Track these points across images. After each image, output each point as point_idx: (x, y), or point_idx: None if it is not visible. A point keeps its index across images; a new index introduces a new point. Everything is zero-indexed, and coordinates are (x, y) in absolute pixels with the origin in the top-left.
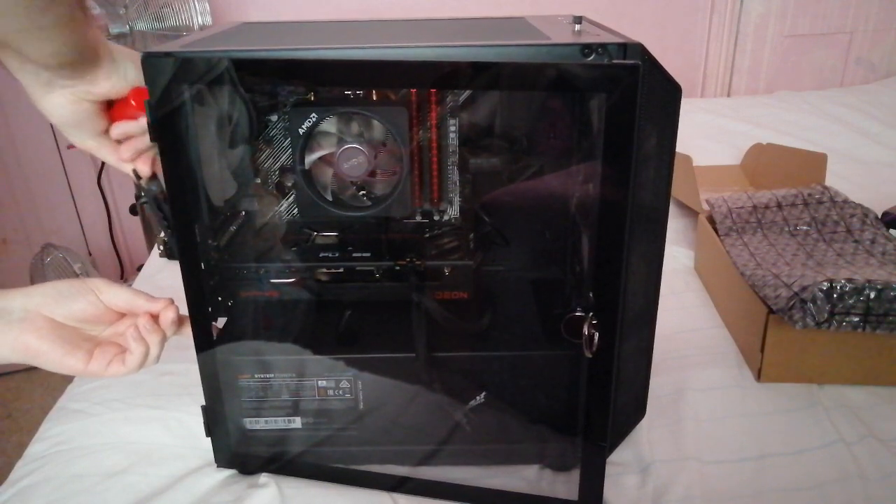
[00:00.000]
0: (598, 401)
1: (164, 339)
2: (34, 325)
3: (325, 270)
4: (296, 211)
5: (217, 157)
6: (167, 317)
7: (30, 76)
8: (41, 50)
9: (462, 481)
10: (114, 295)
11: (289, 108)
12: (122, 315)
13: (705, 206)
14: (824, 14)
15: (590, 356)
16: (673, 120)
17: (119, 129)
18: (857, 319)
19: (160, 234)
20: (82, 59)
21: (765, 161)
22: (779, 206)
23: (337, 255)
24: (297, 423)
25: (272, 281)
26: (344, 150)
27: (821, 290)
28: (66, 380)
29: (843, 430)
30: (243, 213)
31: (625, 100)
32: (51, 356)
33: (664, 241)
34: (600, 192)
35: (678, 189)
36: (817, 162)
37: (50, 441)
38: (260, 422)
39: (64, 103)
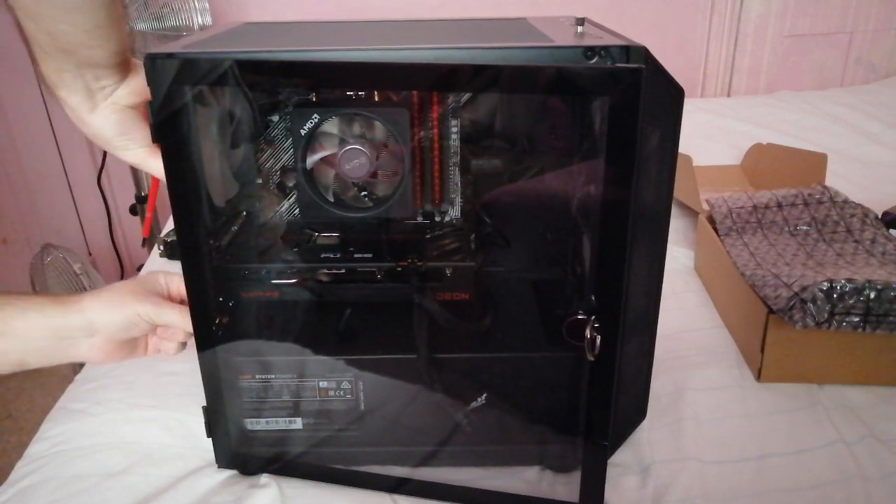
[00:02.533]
0: (599, 403)
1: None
2: (101, 349)
3: (326, 271)
4: (297, 211)
5: (219, 157)
6: None
7: (81, 93)
8: (104, 49)
9: (463, 482)
10: (167, 319)
11: (290, 109)
12: None
13: (705, 206)
14: (824, 14)
15: (592, 359)
16: (675, 122)
17: None
18: (857, 319)
19: (160, 233)
20: (126, 60)
21: (765, 161)
22: (779, 206)
23: (338, 255)
24: (297, 423)
25: (273, 281)
26: (346, 151)
27: (821, 290)
28: (66, 380)
29: (843, 430)
30: (245, 213)
31: (627, 103)
32: (113, 361)
33: (665, 243)
34: (602, 195)
35: (678, 189)
36: (817, 162)
37: (50, 441)
38: (261, 422)
39: (108, 114)
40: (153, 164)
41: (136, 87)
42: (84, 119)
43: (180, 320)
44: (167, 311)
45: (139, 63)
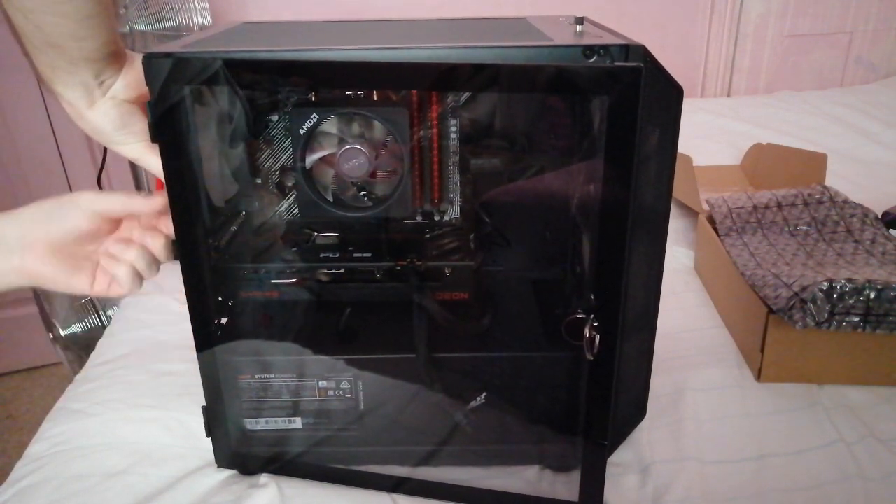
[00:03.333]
0: (598, 402)
1: (144, 248)
2: (35, 251)
3: (325, 271)
4: (296, 211)
5: (218, 157)
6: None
7: (78, 89)
8: (94, 40)
9: (462, 482)
10: (108, 203)
11: (290, 109)
12: (120, 222)
13: (705, 206)
14: (824, 14)
15: (591, 358)
16: (674, 121)
17: None
18: (857, 319)
19: None
20: (119, 51)
21: (765, 161)
22: (779, 206)
23: (337, 255)
24: (297, 423)
25: (273, 281)
26: (345, 151)
27: (821, 290)
28: (66, 380)
29: (843, 430)
30: (244, 213)
31: (626, 102)
32: (58, 279)
33: (665, 242)
34: (602, 194)
35: (678, 189)
36: (817, 162)
37: (50, 441)
38: (260, 422)
39: (107, 109)
40: (152, 160)
41: (133, 81)
42: (82, 114)
43: (130, 202)
44: (111, 195)
45: (135, 55)
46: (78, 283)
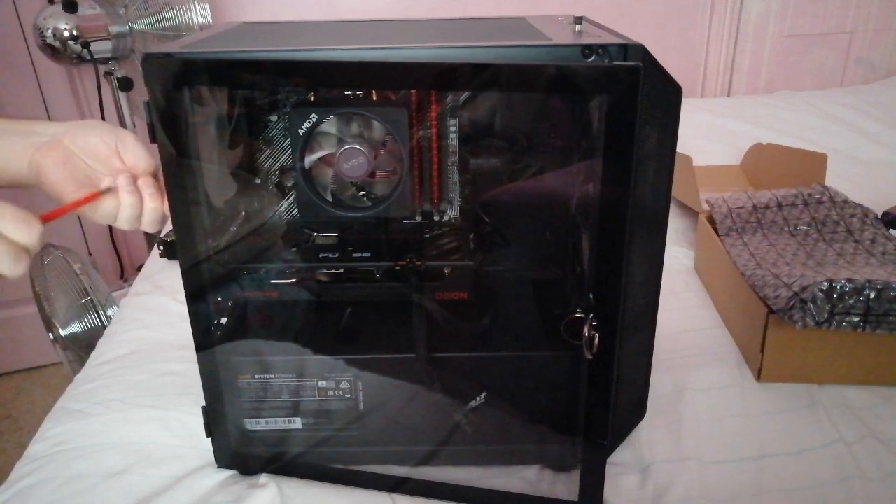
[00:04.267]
0: (598, 402)
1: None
2: (55, 151)
3: (325, 271)
4: (296, 211)
5: (217, 157)
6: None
7: None
8: None
9: (462, 482)
10: (133, 149)
11: (289, 109)
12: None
13: (705, 206)
14: (824, 14)
15: (590, 358)
16: (673, 121)
17: None
18: (857, 319)
19: (160, 233)
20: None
21: (765, 161)
22: (779, 206)
23: (337, 255)
24: (297, 423)
25: (272, 281)
26: (344, 151)
27: (821, 290)
28: (66, 380)
29: (843, 430)
30: (243, 213)
31: (626, 101)
32: (59, 185)
33: (664, 241)
34: (601, 193)
35: (678, 189)
36: (817, 162)
37: (50, 441)
38: (260, 422)
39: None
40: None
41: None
42: None
43: (149, 159)
44: (140, 148)
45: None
46: (75, 197)
